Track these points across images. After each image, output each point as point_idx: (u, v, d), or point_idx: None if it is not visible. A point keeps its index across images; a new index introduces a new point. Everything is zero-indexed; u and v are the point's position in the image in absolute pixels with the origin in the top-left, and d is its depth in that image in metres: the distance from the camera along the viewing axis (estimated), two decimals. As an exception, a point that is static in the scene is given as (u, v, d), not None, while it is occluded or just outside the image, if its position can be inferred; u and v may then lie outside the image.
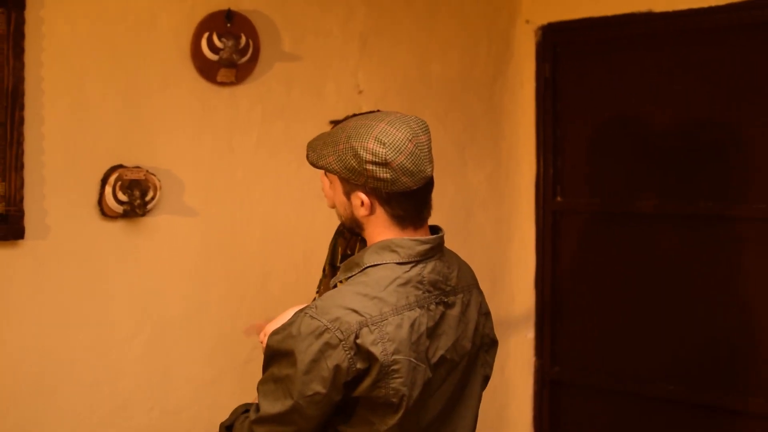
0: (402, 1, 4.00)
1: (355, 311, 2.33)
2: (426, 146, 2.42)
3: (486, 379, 2.70)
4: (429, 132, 2.45)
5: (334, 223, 3.60)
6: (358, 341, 2.31)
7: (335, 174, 2.48)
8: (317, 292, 3.05)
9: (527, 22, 4.39)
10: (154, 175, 3.30)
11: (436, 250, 2.54)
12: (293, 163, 3.71)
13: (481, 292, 2.71)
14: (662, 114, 4.05)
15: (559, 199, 4.34)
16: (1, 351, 3.12)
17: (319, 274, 3.59)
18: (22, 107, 3.08)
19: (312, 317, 2.33)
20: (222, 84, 3.50)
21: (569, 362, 4.37)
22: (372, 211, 2.45)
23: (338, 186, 2.51)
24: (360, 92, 3.88)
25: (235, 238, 3.58)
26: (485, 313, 2.71)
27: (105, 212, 3.26)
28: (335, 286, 2.51)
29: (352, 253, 2.88)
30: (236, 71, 3.51)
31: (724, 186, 3.93)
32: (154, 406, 3.43)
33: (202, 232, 3.50)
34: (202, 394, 3.53)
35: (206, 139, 3.49)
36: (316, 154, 2.51)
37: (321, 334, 2.30)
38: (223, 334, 3.57)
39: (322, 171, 2.78)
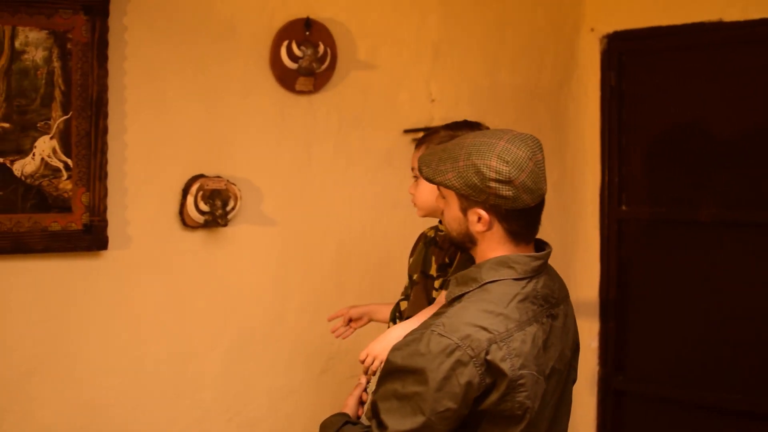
0: (473, 10, 3.97)
1: (484, 328, 2.35)
2: (542, 164, 2.44)
3: (574, 382, 2.74)
4: (543, 150, 2.47)
5: (409, 232, 3.60)
6: (488, 357, 2.33)
7: (454, 190, 2.47)
8: (404, 299, 3.02)
9: (592, 30, 4.36)
10: (235, 185, 3.28)
11: (545, 264, 2.58)
12: (369, 172, 3.69)
13: (570, 301, 2.74)
14: (727, 123, 4.02)
15: (623, 207, 4.30)
16: (83, 362, 3.10)
17: (394, 282, 3.58)
18: (106, 116, 3.07)
19: (441, 335, 2.35)
20: (300, 93, 3.47)
21: (634, 371, 4.34)
22: (489, 227, 2.46)
23: (454, 202, 2.50)
24: (432, 101, 3.85)
25: (311, 247, 3.56)
26: (574, 319, 2.74)
27: (186, 222, 3.24)
28: (456, 299, 2.48)
29: (451, 263, 2.86)
30: (314, 80, 3.48)
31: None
32: (233, 418, 3.40)
33: (280, 242, 3.48)
34: (280, 405, 3.51)
35: (284, 148, 3.46)
36: (432, 170, 2.49)
37: (452, 351, 2.32)
38: (300, 345, 3.55)
39: (416, 183, 2.79)
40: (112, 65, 3.06)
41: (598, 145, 4.38)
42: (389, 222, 3.76)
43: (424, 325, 2.43)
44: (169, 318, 3.24)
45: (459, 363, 2.32)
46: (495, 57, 4.07)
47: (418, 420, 2.34)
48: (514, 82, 4.13)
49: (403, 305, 3.00)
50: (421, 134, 3.64)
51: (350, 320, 3.27)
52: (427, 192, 2.79)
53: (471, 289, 2.47)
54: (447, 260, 2.88)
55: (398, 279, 3.60)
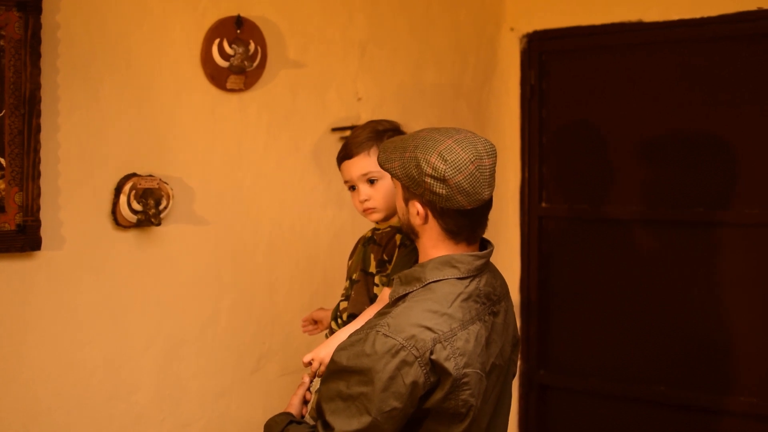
0: (399, 10, 4.00)
1: (429, 329, 2.39)
2: (488, 170, 2.47)
3: (513, 376, 2.80)
4: (495, 156, 2.52)
5: (339, 231, 3.63)
6: (433, 357, 2.37)
7: (397, 179, 2.54)
8: (344, 300, 3.04)
9: (512, 29, 4.43)
10: (167, 184, 3.24)
11: (488, 262, 2.65)
12: (298, 171, 3.69)
13: (510, 297, 2.80)
14: (648, 122, 4.13)
15: (544, 204, 4.38)
16: (19, 365, 3.03)
17: (323, 281, 3.60)
18: (39, 114, 2.99)
19: (386, 335, 2.38)
20: (231, 91, 3.45)
21: (556, 366, 4.42)
22: (425, 221, 2.52)
23: (400, 191, 2.57)
24: (359, 99, 3.87)
25: (243, 246, 3.55)
26: (513, 315, 2.80)
27: (119, 222, 3.20)
28: (400, 298, 2.53)
29: (390, 260, 2.89)
30: (245, 78, 3.47)
31: (708, 192, 4.02)
32: (166, 419, 3.37)
33: (212, 242, 3.46)
34: (212, 406, 3.49)
35: (216, 147, 3.45)
36: (385, 156, 2.56)
37: (398, 352, 2.36)
38: (232, 345, 3.54)
39: (373, 186, 2.85)
40: (44, 63, 3.00)
41: (519, 143, 4.44)
42: (319, 221, 3.77)
43: (369, 325, 2.46)
44: (103, 319, 3.19)
45: (404, 363, 2.36)
46: (420, 56, 4.11)
47: (365, 420, 2.37)
48: (439, 81, 4.17)
49: (343, 305, 3.02)
50: (347, 132, 3.68)
51: (314, 321, 3.31)
52: (390, 191, 2.85)
53: (415, 288, 2.51)
54: (386, 257, 2.91)
55: (327, 277, 3.65)
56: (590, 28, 4.22)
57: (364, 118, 3.82)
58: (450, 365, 2.39)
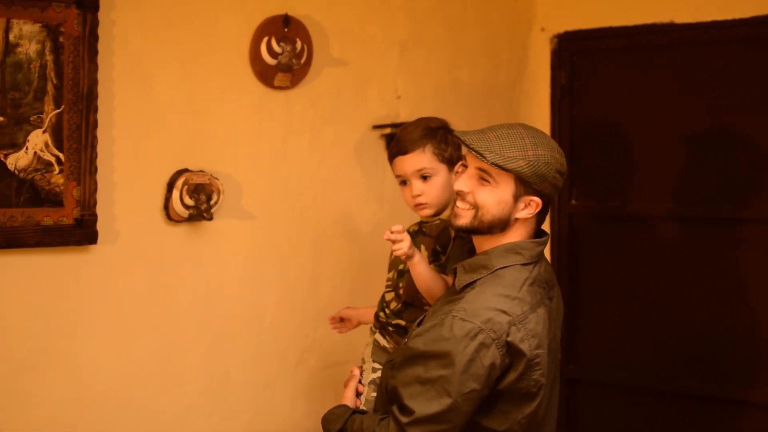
0: (437, 10, 4.05)
1: (504, 311, 2.48)
2: None
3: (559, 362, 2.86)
4: None
5: (379, 226, 3.68)
6: (509, 339, 2.46)
7: (523, 177, 2.56)
8: (390, 291, 3.12)
9: (543, 30, 4.47)
10: (218, 179, 3.29)
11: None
12: (341, 167, 3.74)
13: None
14: (677, 121, 4.16)
15: (574, 202, 4.42)
16: (73, 356, 3.09)
17: (365, 276, 3.65)
18: (96, 110, 3.05)
19: (463, 320, 2.46)
20: (278, 88, 3.50)
21: (585, 361, 4.46)
22: (534, 213, 2.62)
23: (509, 187, 2.59)
24: (399, 97, 3.92)
25: (288, 241, 3.60)
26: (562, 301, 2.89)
27: (171, 216, 3.25)
28: (468, 285, 2.60)
29: (443, 251, 2.97)
30: (291, 76, 3.51)
31: (735, 189, 4.05)
32: (213, 411, 3.42)
33: (259, 236, 3.51)
34: (257, 398, 3.54)
35: (263, 143, 3.50)
36: (500, 156, 2.54)
37: (476, 335, 2.44)
38: (277, 338, 3.59)
39: (426, 182, 2.86)
40: (102, 59, 3.05)
41: (550, 142, 4.48)
42: (360, 216, 3.83)
43: (443, 312, 2.54)
44: (154, 313, 3.25)
45: (482, 345, 2.44)
46: (455, 55, 4.16)
47: (445, 402, 2.44)
48: (472, 80, 4.22)
49: (389, 296, 3.09)
50: (388, 130, 3.73)
51: (341, 319, 3.36)
52: (442, 187, 2.94)
53: (482, 275, 2.60)
54: (439, 248, 2.97)
55: (368, 272, 3.70)
56: (621, 29, 4.25)
57: (403, 116, 3.87)
58: (525, 346, 2.48)
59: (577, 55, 4.42)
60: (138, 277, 3.20)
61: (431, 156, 2.94)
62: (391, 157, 3.04)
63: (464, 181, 2.64)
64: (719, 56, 4.06)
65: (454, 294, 2.65)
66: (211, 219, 3.27)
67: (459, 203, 2.66)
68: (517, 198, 2.59)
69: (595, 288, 4.42)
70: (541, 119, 4.45)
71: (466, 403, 2.45)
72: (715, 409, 4.15)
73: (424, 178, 2.96)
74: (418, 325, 2.73)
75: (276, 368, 3.59)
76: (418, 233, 3.08)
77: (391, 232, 2.83)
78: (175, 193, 3.21)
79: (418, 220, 3.11)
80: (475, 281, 2.60)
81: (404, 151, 2.98)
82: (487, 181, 2.59)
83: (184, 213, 3.23)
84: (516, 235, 2.64)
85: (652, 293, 4.28)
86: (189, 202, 3.22)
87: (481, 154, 2.53)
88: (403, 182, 3.02)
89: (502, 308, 2.48)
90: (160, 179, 3.23)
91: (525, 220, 2.63)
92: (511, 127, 2.61)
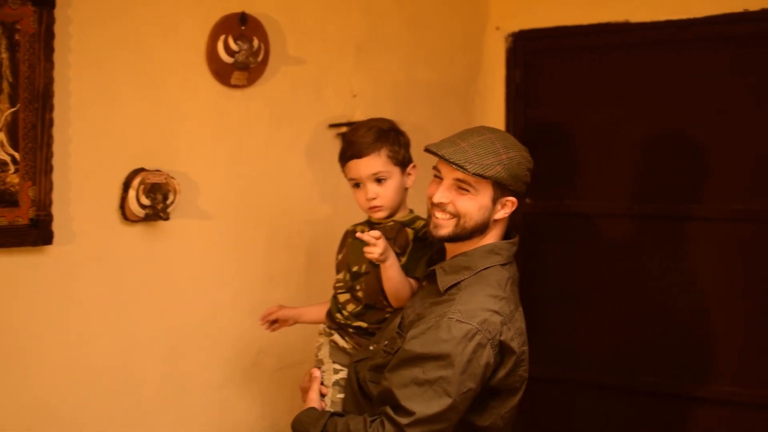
0: (394, 9, 4.04)
1: (496, 312, 2.58)
2: None
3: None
4: None
5: (334, 225, 3.66)
6: (502, 338, 2.56)
7: (501, 182, 2.65)
8: (344, 292, 3.12)
9: (497, 29, 4.47)
10: (174, 179, 3.26)
11: None
12: (297, 166, 3.72)
13: None
14: (632, 121, 4.18)
15: (529, 201, 4.43)
16: (29, 358, 3.04)
17: (320, 275, 3.64)
18: (52, 109, 3.00)
19: (460, 321, 2.54)
20: (235, 87, 3.47)
21: (543, 359, 4.46)
22: (510, 212, 2.73)
23: (488, 193, 2.68)
24: (354, 96, 3.90)
25: (244, 241, 3.57)
26: None
27: (127, 216, 3.21)
28: (452, 287, 2.69)
29: (402, 252, 3.02)
30: (248, 74, 3.49)
31: (689, 188, 4.09)
32: (169, 412, 3.39)
33: (215, 236, 3.48)
34: (214, 399, 3.52)
35: (220, 142, 3.47)
36: (479, 165, 2.62)
37: (473, 336, 2.52)
38: (232, 339, 3.57)
39: (381, 185, 2.92)
40: (57, 57, 3.00)
41: (503, 141, 4.48)
42: (316, 215, 3.81)
43: (437, 314, 2.60)
44: (110, 314, 3.21)
45: (479, 346, 2.53)
46: (412, 54, 4.16)
47: (444, 402, 2.51)
48: (429, 79, 4.22)
49: (342, 297, 3.10)
50: (344, 129, 3.72)
51: (275, 321, 3.33)
52: (396, 189, 3.00)
53: (466, 277, 2.68)
54: (398, 250, 2.98)
55: (324, 270, 3.67)
56: (576, 28, 4.27)
57: (359, 114, 3.86)
58: (515, 344, 2.58)
59: (532, 54, 4.43)
60: (94, 278, 3.16)
61: (386, 159, 2.98)
62: (345, 161, 3.04)
63: (443, 193, 2.70)
64: (674, 56, 4.09)
65: (437, 295, 2.71)
66: (167, 219, 3.24)
67: (439, 214, 2.72)
68: (495, 201, 2.68)
69: (552, 287, 4.44)
70: (496, 118, 4.45)
71: (463, 402, 2.53)
72: (672, 405, 4.19)
73: (379, 180, 2.97)
74: (401, 328, 2.77)
75: (232, 369, 3.57)
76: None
77: (371, 235, 2.85)
78: (132, 193, 3.17)
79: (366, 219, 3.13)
80: (459, 282, 2.68)
81: (359, 155, 2.98)
82: (467, 190, 2.66)
83: (141, 213, 3.19)
84: (494, 236, 2.74)
85: (608, 291, 4.32)
86: (145, 201, 3.19)
87: (462, 167, 2.60)
88: (356, 185, 3.02)
89: (495, 308, 2.57)
90: (116, 179, 3.19)
91: (501, 219, 2.72)
92: (480, 134, 2.69)
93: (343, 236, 3.28)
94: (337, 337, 3.11)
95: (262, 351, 3.65)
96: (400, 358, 2.61)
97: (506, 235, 2.82)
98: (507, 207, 2.71)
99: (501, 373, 2.59)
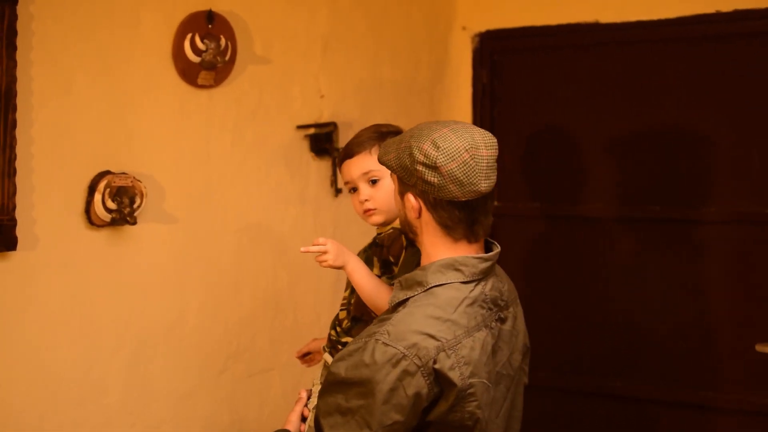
0: (360, 7, 3.99)
1: (432, 336, 2.29)
2: (485, 161, 2.36)
3: (525, 386, 2.69)
4: (495, 149, 2.41)
5: (302, 228, 3.59)
6: (436, 366, 2.27)
7: (392, 171, 2.47)
8: (343, 310, 3.00)
9: (464, 28, 4.44)
10: (140, 182, 3.17)
11: (494, 266, 2.54)
12: (263, 168, 3.65)
13: (519, 303, 2.71)
14: (601, 121, 4.18)
15: (496, 203, 4.40)
16: (-5, 368, 2.94)
17: (287, 279, 3.56)
18: (15, 109, 2.89)
19: (386, 344, 2.28)
20: (201, 87, 3.39)
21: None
22: (419, 215, 2.43)
23: (396, 185, 2.51)
24: (321, 96, 3.83)
25: (210, 245, 3.49)
26: (523, 321, 2.71)
27: (92, 221, 3.11)
28: (400, 303, 2.43)
29: (396, 261, 2.85)
30: (215, 74, 3.40)
31: (659, 190, 4.08)
32: (136, 422, 3.29)
33: (181, 240, 3.39)
34: (180, 407, 3.42)
35: (186, 144, 3.38)
36: (384, 151, 2.49)
37: (398, 361, 2.25)
38: (200, 345, 3.47)
39: (375, 186, 2.80)
40: (20, 56, 2.89)
41: (469, 142, 4.45)
42: (282, 218, 3.74)
43: (368, 333, 2.34)
44: (75, 321, 3.10)
45: (406, 373, 2.25)
46: (378, 53, 4.11)
47: None
48: (395, 78, 4.17)
49: (342, 315, 2.98)
50: (311, 130, 3.65)
51: (308, 354, 3.25)
52: (391, 193, 2.72)
53: (416, 293, 2.39)
54: (391, 258, 2.86)
55: (292, 274, 3.61)
56: (544, 28, 4.26)
57: (326, 115, 3.81)
58: (454, 375, 2.28)
59: (499, 55, 4.40)
60: (58, 284, 3.05)
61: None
62: (339, 163, 2.95)
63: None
64: (646, 56, 4.09)
65: (388, 312, 2.46)
66: (134, 223, 3.14)
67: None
68: (402, 196, 2.48)
69: (518, 289, 4.39)
70: (462, 118, 4.43)
71: None
72: (638, 409, 4.17)
73: (373, 182, 2.86)
74: None
75: (199, 376, 3.48)
76: (372, 245, 2.98)
77: (314, 245, 2.74)
78: (97, 197, 3.08)
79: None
80: (408, 299, 2.41)
81: (350, 155, 2.89)
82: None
83: (107, 217, 3.10)
84: (429, 241, 2.47)
85: (575, 294, 4.30)
86: (111, 205, 3.09)
87: (379, 153, 2.58)
88: (353, 189, 2.91)
89: (430, 332, 2.29)
90: (81, 182, 3.08)
91: (425, 223, 2.46)
92: (422, 123, 2.48)
93: (357, 254, 3.03)
94: (327, 356, 2.99)
95: (230, 358, 3.56)
96: (327, 381, 2.38)
97: (487, 248, 2.56)
98: (407, 207, 2.45)
99: (442, 407, 2.30)
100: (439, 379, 2.28)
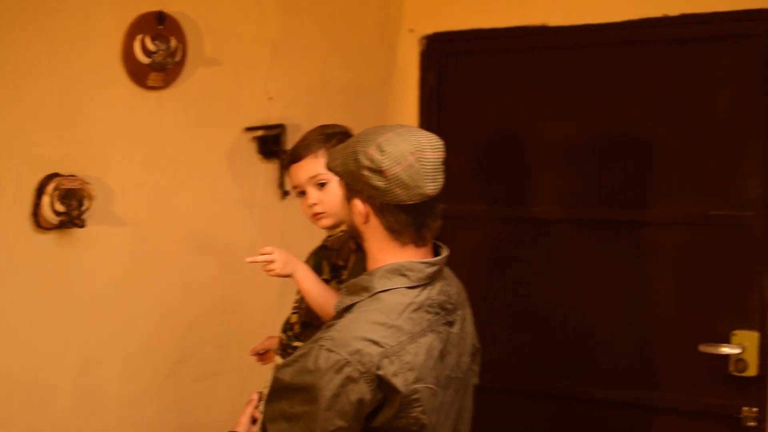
0: (309, 9, 3.97)
1: (375, 342, 2.29)
2: (431, 163, 2.37)
3: (475, 388, 2.71)
4: (441, 151, 2.42)
5: (250, 232, 3.57)
6: (380, 373, 2.28)
7: (339, 177, 2.48)
8: (294, 313, 2.98)
9: (411, 31, 4.42)
10: (89, 184, 3.12)
11: (441, 270, 2.55)
12: (212, 171, 3.62)
13: (469, 304, 2.73)
14: (549, 124, 4.18)
15: (444, 205, 4.38)
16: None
17: (236, 283, 3.54)
18: (-39, 110, 2.85)
19: (330, 350, 2.28)
20: (151, 88, 3.35)
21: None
22: (367, 220, 2.43)
23: (343, 191, 2.51)
24: (270, 99, 3.81)
25: (159, 249, 3.45)
26: (472, 323, 2.73)
27: (40, 224, 3.06)
28: (346, 309, 2.44)
29: (345, 265, 2.84)
30: (165, 75, 3.37)
31: (616, 192, 4.10)
32: (84, 428, 3.25)
33: (129, 244, 3.35)
34: (129, 413, 3.38)
35: (135, 146, 3.34)
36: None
37: (341, 368, 2.26)
38: (147, 350, 3.43)
39: (322, 189, 2.77)
40: (-36, 54, 2.85)
41: (417, 145, 4.44)
42: (231, 221, 3.71)
43: (313, 339, 2.35)
44: (22, 326, 3.05)
45: (349, 379, 2.26)
46: (326, 56, 4.08)
47: None
48: (343, 81, 4.15)
49: (294, 318, 2.96)
50: (260, 132, 3.63)
51: (266, 352, 3.23)
52: (340, 195, 2.68)
53: (362, 298, 2.40)
54: (341, 262, 2.86)
55: (239, 278, 3.59)
56: (492, 31, 4.25)
57: (274, 117, 3.79)
58: (398, 381, 2.30)
59: (447, 57, 4.39)
60: (5, 288, 3.00)
61: (325, 161, 2.81)
62: (287, 167, 2.95)
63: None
64: (593, 60, 4.10)
65: (334, 318, 2.46)
66: (83, 226, 3.10)
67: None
68: (348, 201, 2.48)
69: (467, 291, 4.40)
70: (410, 121, 4.40)
71: None
72: (584, 409, 4.19)
73: (321, 185, 2.84)
74: None
75: (147, 381, 3.44)
76: (321, 248, 2.98)
77: (260, 254, 2.73)
78: (45, 199, 3.03)
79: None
80: (354, 304, 2.42)
81: (297, 158, 2.88)
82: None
83: (55, 220, 3.05)
84: (376, 245, 2.48)
85: (523, 296, 4.31)
86: (60, 208, 3.05)
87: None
88: (301, 193, 2.90)
89: (374, 338, 2.29)
90: (29, 184, 3.03)
91: (372, 227, 2.46)
92: (368, 128, 2.50)
93: (307, 257, 3.05)
94: (278, 359, 2.98)
95: (177, 362, 3.53)
96: (273, 387, 2.41)
97: (436, 252, 2.57)
98: (355, 212, 2.46)
99: (387, 413, 2.32)
100: (383, 386, 2.29)
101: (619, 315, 4.15)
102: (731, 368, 3.90)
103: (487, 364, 4.18)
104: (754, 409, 3.88)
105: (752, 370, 3.86)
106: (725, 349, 3.89)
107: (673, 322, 4.04)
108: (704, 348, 3.91)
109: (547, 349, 4.28)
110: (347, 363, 2.26)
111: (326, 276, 2.88)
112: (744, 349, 3.86)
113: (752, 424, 3.88)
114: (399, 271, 2.42)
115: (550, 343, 4.27)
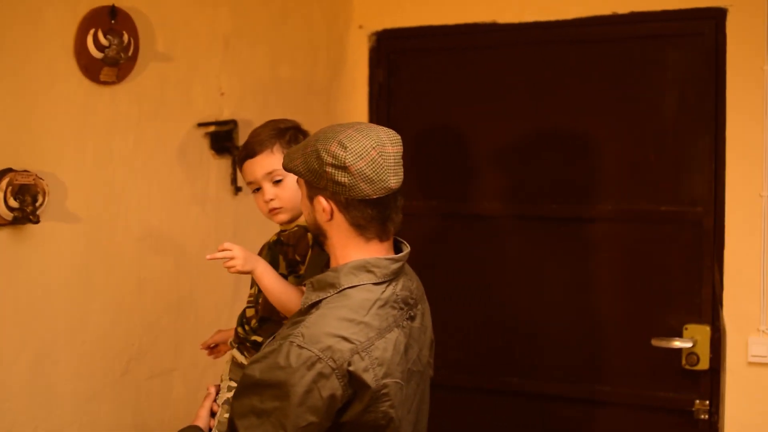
0: (261, 4, 3.96)
1: (346, 339, 2.33)
2: (392, 157, 2.43)
3: (430, 378, 2.75)
4: (400, 146, 2.49)
5: (203, 228, 3.55)
6: (351, 368, 2.31)
7: (300, 176, 2.49)
8: (250, 307, 2.97)
9: (360, 27, 4.44)
10: (43, 180, 3.09)
11: (403, 266, 2.59)
12: (165, 167, 3.59)
13: (426, 299, 2.76)
14: (500, 121, 4.22)
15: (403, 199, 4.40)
16: None
17: (189, 279, 3.52)
18: None
19: (301, 347, 2.31)
20: (104, 83, 3.32)
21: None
22: (332, 217, 2.46)
23: (303, 190, 2.52)
24: (222, 94, 3.80)
25: (113, 245, 3.41)
26: (430, 317, 2.76)
27: (-7, 220, 3.02)
28: (314, 305, 2.46)
29: (302, 260, 2.84)
30: (117, 70, 3.34)
31: (563, 189, 4.15)
32: (39, 426, 3.20)
33: (83, 241, 3.31)
34: (83, 411, 3.34)
35: (88, 142, 3.30)
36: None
37: (313, 364, 2.29)
38: (102, 347, 3.40)
39: (278, 185, 2.77)
40: None
41: (366, 142, 4.45)
42: (185, 218, 3.69)
43: (282, 336, 2.37)
44: (-24, 323, 3.02)
45: (321, 376, 2.29)
46: (277, 51, 4.08)
47: None
48: (293, 77, 4.15)
49: (250, 312, 2.95)
50: (212, 128, 3.61)
51: (216, 346, 3.21)
52: (296, 190, 2.72)
53: (329, 294, 2.43)
54: (298, 257, 2.85)
55: (194, 275, 3.57)
56: (442, 28, 4.28)
57: (226, 113, 3.78)
58: (368, 377, 2.33)
59: (396, 54, 4.41)
60: (-42, 287, 2.96)
61: (281, 157, 2.78)
62: (240, 163, 2.93)
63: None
64: (542, 57, 4.14)
65: (300, 314, 2.49)
66: (37, 222, 3.06)
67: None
68: (311, 200, 2.51)
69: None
70: (359, 118, 4.42)
71: None
72: (535, 405, 4.22)
73: (276, 182, 2.84)
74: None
75: (101, 378, 3.41)
76: (276, 243, 2.97)
77: (219, 251, 2.72)
78: (-1, 195, 2.99)
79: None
80: (321, 301, 2.45)
81: (252, 154, 2.87)
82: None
83: (9, 216, 3.01)
84: (340, 242, 2.51)
85: (471, 293, 4.34)
86: (14, 204, 3.01)
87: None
88: (257, 189, 2.89)
89: (344, 335, 2.33)
90: (-19, 180, 2.99)
91: (336, 224, 2.49)
92: (326, 127, 2.55)
93: (260, 249, 3.04)
94: (236, 353, 2.96)
95: (132, 359, 3.50)
96: (242, 383, 2.42)
97: (397, 249, 2.62)
98: (318, 210, 2.49)
99: (356, 408, 2.36)
100: (354, 381, 2.32)
101: (568, 310, 4.19)
102: (683, 362, 3.96)
103: (441, 361, 4.25)
104: (706, 402, 3.94)
105: (704, 364, 3.93)
106: (677, 343, 3.95)
107: (625, 317, 4.10)
108: (656, 342, 3.97)
109: (496, 345, 4.32)
110: (319, 359, 2.29)
111: (282, 271, 2.88)
112: (696, 342, 3.92)
113: (704, 417, 3.94)
114: (365, 268, 2.46)
115: (499, 340, 4.31)
